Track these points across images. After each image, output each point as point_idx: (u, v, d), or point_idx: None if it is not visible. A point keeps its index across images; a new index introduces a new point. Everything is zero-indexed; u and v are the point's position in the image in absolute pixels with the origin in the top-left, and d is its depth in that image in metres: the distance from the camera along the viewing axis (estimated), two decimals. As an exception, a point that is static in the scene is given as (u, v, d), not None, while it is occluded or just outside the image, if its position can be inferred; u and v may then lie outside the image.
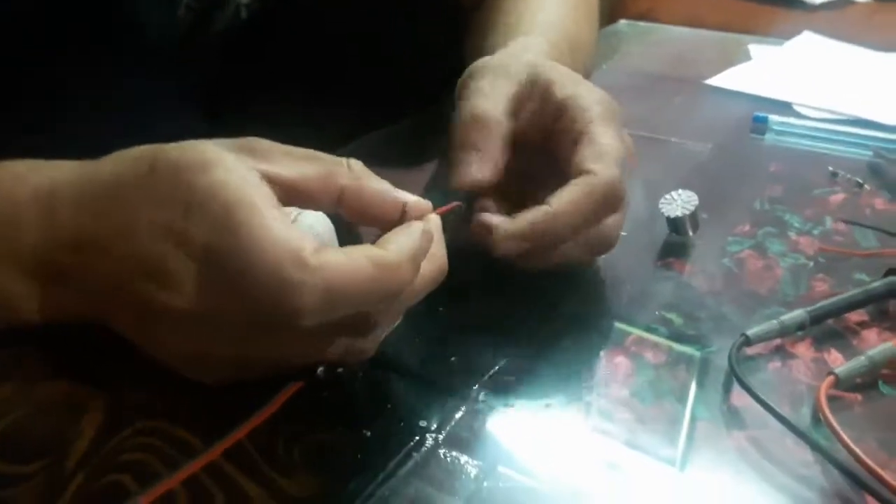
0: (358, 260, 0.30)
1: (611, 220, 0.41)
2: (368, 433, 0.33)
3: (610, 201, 0.39)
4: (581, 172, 0.39)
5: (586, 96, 0.42)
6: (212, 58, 0.55)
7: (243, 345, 0.31)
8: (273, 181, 0.31)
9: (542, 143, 0.42)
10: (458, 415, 0.34)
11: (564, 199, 0.38)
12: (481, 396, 0.35)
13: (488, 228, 0.38)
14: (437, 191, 0.53)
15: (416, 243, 0.32)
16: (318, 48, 0.61)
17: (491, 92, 0.43)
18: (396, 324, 0.35)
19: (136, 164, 0.31)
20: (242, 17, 0.56)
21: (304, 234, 0.30)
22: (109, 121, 0.50)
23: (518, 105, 0.43)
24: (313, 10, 0.60)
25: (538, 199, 0.39)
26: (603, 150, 0.39)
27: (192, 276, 0.29)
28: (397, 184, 0.35)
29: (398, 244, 0.31)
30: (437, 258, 0.34)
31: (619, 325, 0.41)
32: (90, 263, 0.31)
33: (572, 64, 0.47)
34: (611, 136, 0.40)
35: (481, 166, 0.41)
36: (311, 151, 0.33)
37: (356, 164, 0.33)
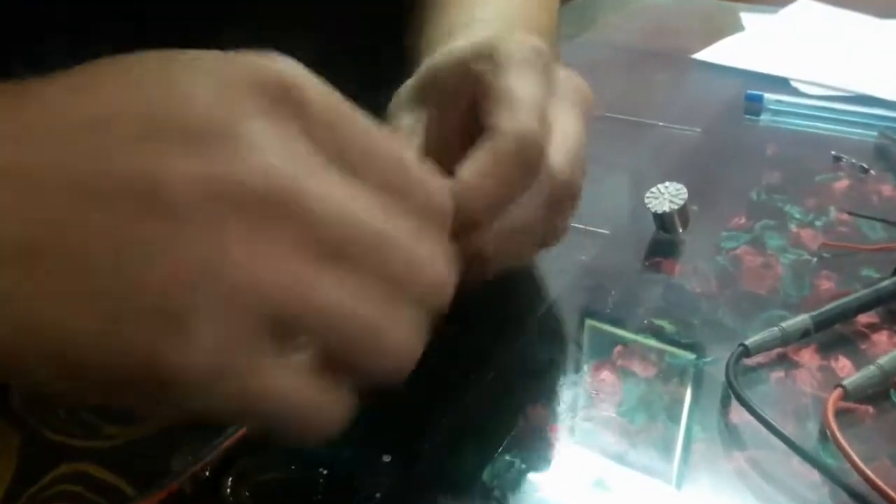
0: None
1: (549, 171, 0.36)
2: (325, 471, 0.32)
3: (527, 163, 0.34)
4: (487, 133, 0.35)
5: (498, 43, 0.38)
6: None
7: None
8: None
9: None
10: (426, 446, 0.34)
11: (469, 169, 0.34)
12: (449, 424, 0.35)
13: None
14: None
15: None
16: None
17: None
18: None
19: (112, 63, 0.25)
20: None
21: None
22: None
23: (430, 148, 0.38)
24: None
25: None
26: (511, 99, 0.35)
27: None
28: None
29: None
30: None
31: (602, 335, 0.41)
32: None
33: None
34: (527, 81, 0.36)
35: None
36: None
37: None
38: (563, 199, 0.37)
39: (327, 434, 0.26)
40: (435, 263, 0.27)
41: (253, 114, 0.24)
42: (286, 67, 0.25)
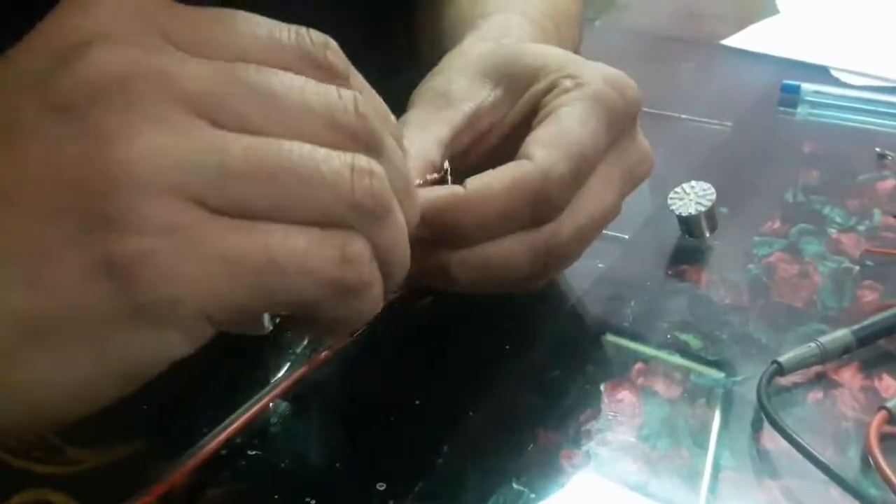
0: None
1: (554, 226, 0.37)
2: (313, 501, 0.33)
3: (540, 207, 0.36)
4: (521, 157, 0.36)
5: (577, 66, 0.39)
6: None
7: None
8: None
9: None
10: (427, 473, 0.34)
11: (480, 184, 0.35)
12: (451, 449, 0.35)
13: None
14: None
15: None
16: None
17: (419, 135, 0.38)
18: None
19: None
20: None
21: None
22: None
23: (474, 125, 0.40)
24: None
25: None
26: (561, 134, 0.36)
27: None
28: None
29: None
30: None
31: (621, 350, 0.41)
32: None
33: (560, 45, 0.47)
34: (584, 121, 0.37)
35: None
36: None
37: None
38: (553, 261, 0.37)
39: (366, 311, 0.27)
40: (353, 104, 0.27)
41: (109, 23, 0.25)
42: None
